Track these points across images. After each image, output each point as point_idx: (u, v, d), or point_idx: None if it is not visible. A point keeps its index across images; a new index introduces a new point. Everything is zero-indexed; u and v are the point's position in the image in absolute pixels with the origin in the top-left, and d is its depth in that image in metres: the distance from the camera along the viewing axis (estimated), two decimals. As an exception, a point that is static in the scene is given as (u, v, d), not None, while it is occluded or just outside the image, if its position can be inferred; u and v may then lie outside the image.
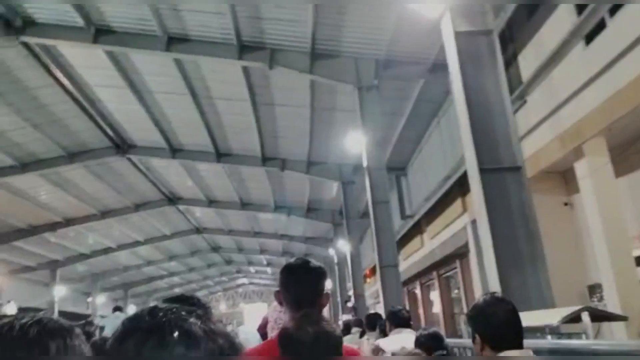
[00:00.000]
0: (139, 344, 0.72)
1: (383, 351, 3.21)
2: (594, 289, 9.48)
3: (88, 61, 11.29)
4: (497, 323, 2.15)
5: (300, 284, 2.11)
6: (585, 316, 3.72)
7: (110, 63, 10.97)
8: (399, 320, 4.78)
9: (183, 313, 0.77)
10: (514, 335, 2.16)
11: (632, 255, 8.01)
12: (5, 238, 20.28)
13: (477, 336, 2.18)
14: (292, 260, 2.22)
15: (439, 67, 9.91)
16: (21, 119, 12.66)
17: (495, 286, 5.39)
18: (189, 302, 1.73)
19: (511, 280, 5.28)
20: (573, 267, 9.46)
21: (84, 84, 12.20)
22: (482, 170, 5.46)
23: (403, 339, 4.66)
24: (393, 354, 3.39)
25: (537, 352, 4.09)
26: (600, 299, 9.02)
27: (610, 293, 7.82)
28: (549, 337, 4.91)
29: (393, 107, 12.00)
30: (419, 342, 4.17)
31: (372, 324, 4.99)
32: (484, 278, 11.81)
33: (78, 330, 0.87)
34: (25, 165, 15.07)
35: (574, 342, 3.72)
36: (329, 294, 2.23)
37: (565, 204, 10.20)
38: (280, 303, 2.18)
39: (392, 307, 5.39)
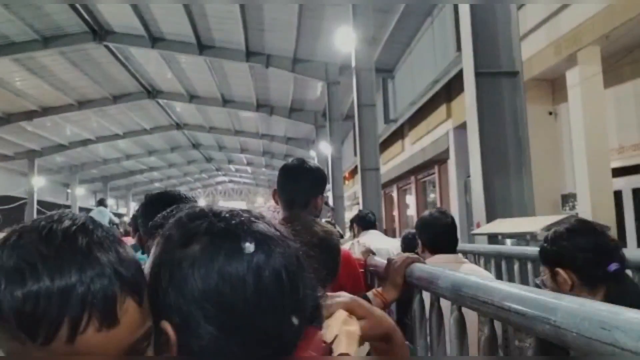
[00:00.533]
0: (209, 250, 0.67)
1: (372, 252, 3.28)
2: (567, 199, 9.80)
3: None
4: (436, 232, 2.68)
5: (294, 184, 2.10)
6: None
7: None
8: (367, 223, 5.21)
9: (251, 217, 0.72)
10: (448, 243, 2.68)
11: (609, 166, 8.20)
12: (-20, 125, 19.77)
13: (419, 242, 2.74)
14: (290, 160, 2.18)
15: (438, -39, 9.42)
16: (-11, -3, 11.82)
17: (478, 191, 5.47)
18: (175, 198, 1.67)
19: (495, 186, 5.36)
20: (550, 176, 9.69)
21: (56, -39, 11.33)
22: (478, 74, 5.32)
23: (378, 239, 4.91)
24: (378, 253, 3.47)
25: (499, 256, 4.27)
26: (572, 207, 9.36)
27: (583, 203, 8.08)
28: (508, 242, 5.11)
29: (386, 3, 11.47)
30: (405, 240, 4.37)
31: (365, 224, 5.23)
32: (461, 184, 12.13)
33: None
34: (-3, 48, 14.32)
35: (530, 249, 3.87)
36: (324, 197, 2.21)
37: (550, 113, 10.24)
38: (277, 202, 2.16)
39: (360, 211, 5.74)
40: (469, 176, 7.69)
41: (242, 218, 0.71)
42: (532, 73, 8.48)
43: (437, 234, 2.68)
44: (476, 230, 5.56)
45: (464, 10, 5.49)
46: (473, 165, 5.67)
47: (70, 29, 14.49)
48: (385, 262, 1.83)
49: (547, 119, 10.16)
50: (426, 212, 2.86)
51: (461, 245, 5.11)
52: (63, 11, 13.35)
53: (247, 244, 0.67)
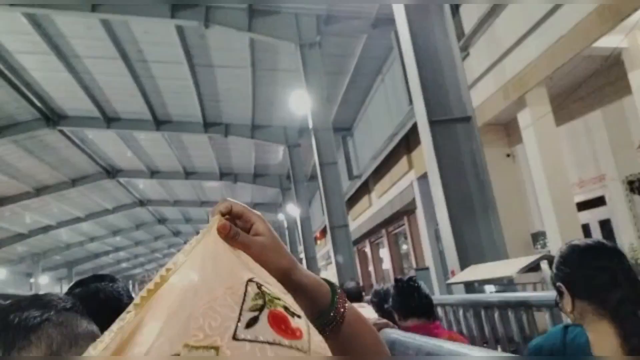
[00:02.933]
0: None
1: None
2: (537, 237, 9.84)
3: (6, 26, 10.34)
4: None
5: None
6: (544, 265, 3.71)
7: (31, 27, 10.10)
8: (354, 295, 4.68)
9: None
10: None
11: (573, 201, 8.31)
12: None
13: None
14: None
15: (382, 21, 9.75)
16: None
17: (448, 238, 5.38)
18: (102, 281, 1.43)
19: (464, 232, 5.28)
20: (517, 217, 9.75)
21: (4, 51, 11.23)
22: (432, 122, 5.36)
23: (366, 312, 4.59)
24: None
25: (477, 305, 4.09)
26: (544, 245, 9.37)
27: (553, 239, 8.09)
28: (486, 289, 4.95)
29: (336, 66, 11.76)
30: (377, 295, 4.16)
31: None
32: (431, 233, 12.10)
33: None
34: (-56, 143, 13.94)
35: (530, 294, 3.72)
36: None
37: (508, 155, 10.44)
38: None
39: (345, 284, 5.27)
40: (438, 225, 7.65)
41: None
42: (486, 118, 8.67)
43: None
44: (451, 280, 5.42)
45: (411, 64, 5.59)
46: (440, 213, 5.61)
47: (22, 117, 14.27)
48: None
49: (506, 161, 10.35)
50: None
51: (438, 297, 4.95)
52: (13, 100, 13.18)
53: None
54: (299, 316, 0.54)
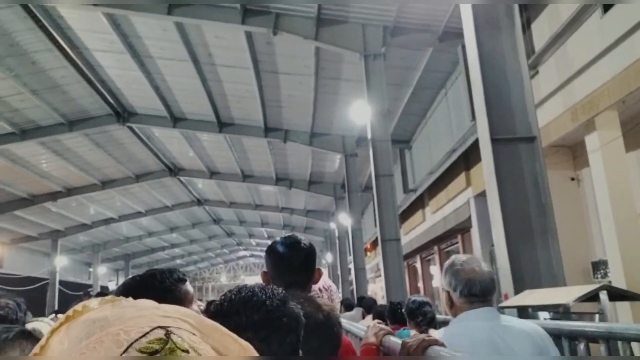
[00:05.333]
0: None
1: (391, 332, 2.96)
2: (598, 266, 9.38)
3: (87, 24, 10.98)
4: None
5: (292, 266, 1.95)
6: (604, 295, 3.55)
7: (110, 27, 10.67)
8: (398, 318, 4.55)
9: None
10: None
11: (639, 231, 7.88)
12: (6, 207, 20.19)
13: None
14: (279, 240, 2.03)
15: (449, 35, 9.64)
16: (19, 84, 12.39)
17: (503, 261, 5.24)
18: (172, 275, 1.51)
19: (521, 255, 5.12)
20: (577, 243, 9.34)
21: (83, 49, 11.91)
22: (495, 140, 5.25)
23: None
24: None
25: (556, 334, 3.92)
26: (604, 275, 8.92)
27: (615, 270, 7.70)
28: (540, 315, 4.74)
29: (399, 78, 11.72)
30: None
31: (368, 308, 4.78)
32: (486, 253, 11.78)
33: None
34: (24, 132, 14.86)
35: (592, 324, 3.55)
36: (320, 270, 2.08)
37: (572, 179, 10.04)
38: (268, 283, 1.99)
39: (391, 304, 5.06)
40: (493, 245, 7.45)
41: None
42: (551, 139, 8.40)
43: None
44: (504, 303, 5.27)
45: (476, 80, 5.50)
46: (496, 234, 5.47)
47: (95, 112, 15.06)
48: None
49: (570, 185, 9.95)
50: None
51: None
52: (88, 95, 13.93)
53: None
54: None
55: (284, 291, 1.09)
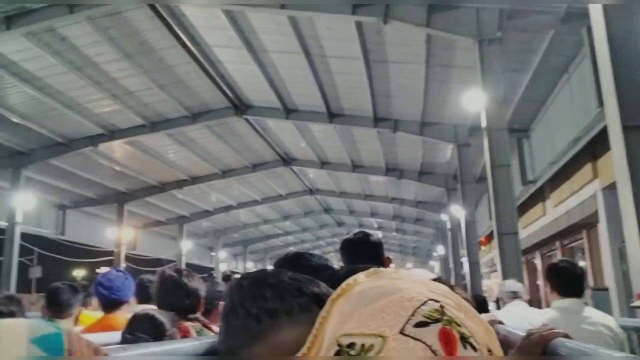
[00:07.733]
0: None
1: (500, 322, 2.76)
2: None
3: (208, 21, 11.63)
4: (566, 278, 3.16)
5: (366, 258, 2.10)
6: None
7: (228, 23, 11.20)
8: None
9: None
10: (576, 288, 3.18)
11: None
12: (139, 194, 22.25)
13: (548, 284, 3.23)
14: (350, 236, 2.32)
15: (573, 16, 8.93)
16: (149, 79, 13.45)
17: (636, 258, 4.78)
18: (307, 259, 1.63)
19: (656, 253, 4.64)
20: None
21: (204, 45, 12.64)
22: (626, 127, 4.77)
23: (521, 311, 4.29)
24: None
25: None
26: None
27: None
28: None
29: (516, 63, 11.07)
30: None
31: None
32: (615, 250, 10.81)
33: None
34: (154, 125, 16.17)
35: None
36: (390, 258, 2.36)
37: None
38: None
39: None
40: (623, 242, 6.82)
41: None
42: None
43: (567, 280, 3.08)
44: (636, 303, 4.85)
45: (605, 63, 5.03)
46: (628, 230, 5.01)
47: (215, 105, 15.97)
48: (511, 331, 1.57)
49: None
50: (555, 260, 3.26)
51: (620, 320, 4.43)
52: (209, 89, 14.80)
53: None
54: (474, 348, 0.54)
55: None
